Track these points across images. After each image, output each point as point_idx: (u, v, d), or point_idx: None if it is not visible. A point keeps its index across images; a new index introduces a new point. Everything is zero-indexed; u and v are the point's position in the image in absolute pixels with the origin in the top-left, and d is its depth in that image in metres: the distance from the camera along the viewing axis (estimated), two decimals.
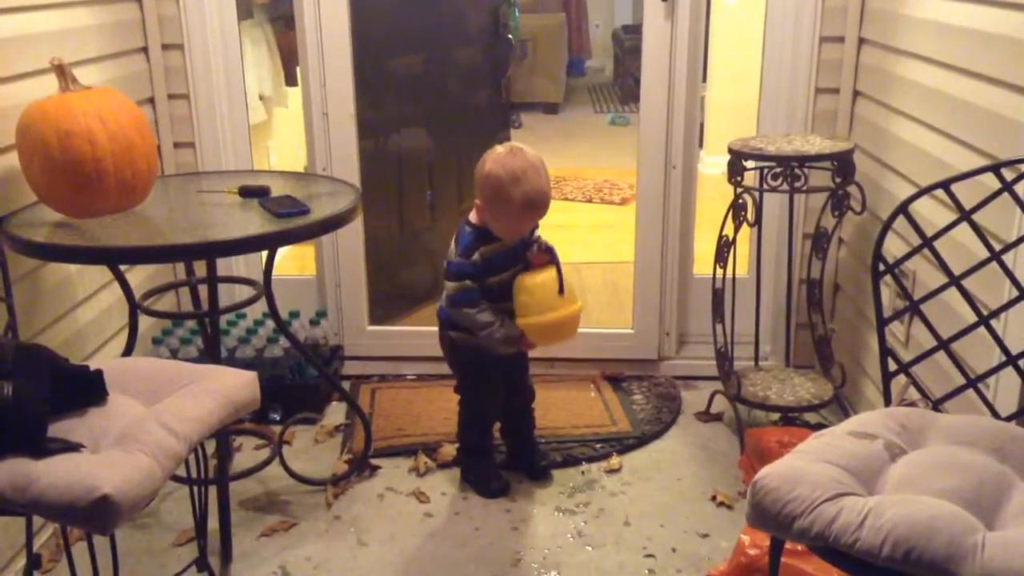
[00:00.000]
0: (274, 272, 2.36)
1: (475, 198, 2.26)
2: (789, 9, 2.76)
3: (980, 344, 1.80)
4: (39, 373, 1.60)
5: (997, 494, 1.39)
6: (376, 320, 3.15)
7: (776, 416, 2.66)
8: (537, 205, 2.22)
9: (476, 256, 2.25)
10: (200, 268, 2.39)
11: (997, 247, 1.68)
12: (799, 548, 1.82)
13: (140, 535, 2.27)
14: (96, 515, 1.43)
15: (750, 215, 2.60)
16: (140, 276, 2.64)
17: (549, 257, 2.27)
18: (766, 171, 2.47)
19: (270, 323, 2.83)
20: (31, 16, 2.23)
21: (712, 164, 4.68)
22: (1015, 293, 1.67)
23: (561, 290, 2.22)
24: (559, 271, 2.23)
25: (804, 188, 2.48)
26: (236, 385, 1.81)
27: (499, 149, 2.25)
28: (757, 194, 2.59)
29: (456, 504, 2.40)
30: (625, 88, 8.25)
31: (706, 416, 2.82)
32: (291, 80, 4.08)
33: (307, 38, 2.86)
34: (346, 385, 2.96)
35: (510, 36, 4.00)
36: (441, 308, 2.36)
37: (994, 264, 1.68)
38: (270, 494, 2.45)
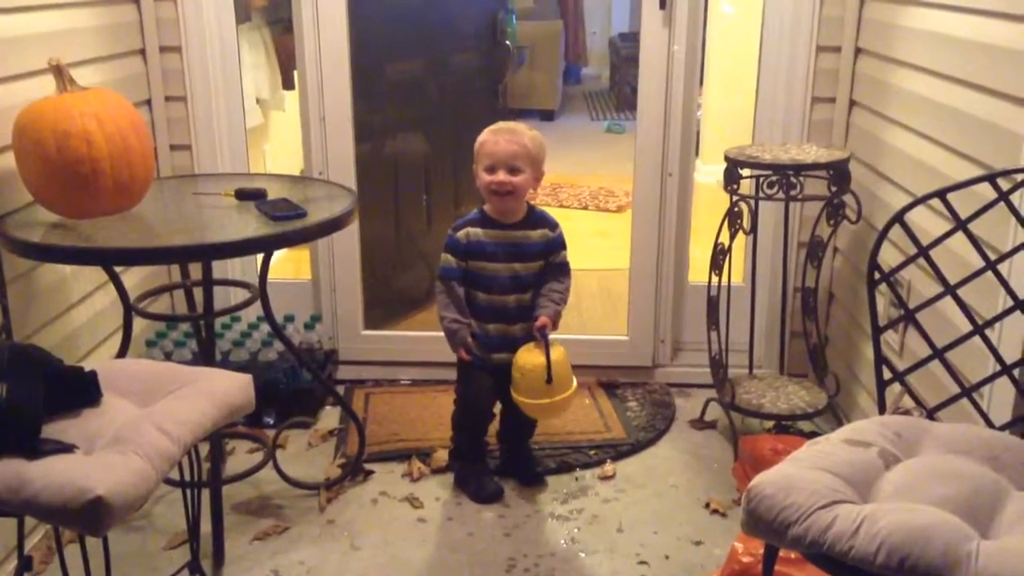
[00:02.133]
0: (269, 275, 2.35)
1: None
2: (786, 19, 2.77)
3: (974, 353, 1.81)
4: (33, 374, 1.59)
5: (991, 503, 1.39)
6: (371, 325, 3.14)
7: (770, 424, 2.67)
8: (500, 129, 2.32)
9: (461, 233, 2.30)
10: (195, 271, 2.38)
11: (992, 257, 1.69)
12: (793, 556, 1.82)
13: (133, 537, 2.26)
14: (89, 517, 1.43)
15: (746, 223, 2.61)
16: (135, 278, 2.63)
17: (544, 342, 2.28)
18: (762, 179, 2.48)
19: (265, 326, 2.82)
20: (29, 17, 2.23)
21: (707, 172, 4.69)
22: (1010, 303, 1.67)
23: (549, 379, 2.24)
24: (548, 361, 2.24)
25: (800, 197, 2.49)
26: (230, 388, 1.80)
27: None
28: (753, 202, 2.59)
29: (450, 509, 2.40)
30: (621, 96, 8.27)
31: (700, 423, 2.82)
32: (288, 84, 4.08)
33: (305, 42, 2.86)
34: (340, 389, 2.96)
35: (507, 42, 4.00)
36: None
37: (989, 274, 1.68)
38: (263, 498, 2.45)
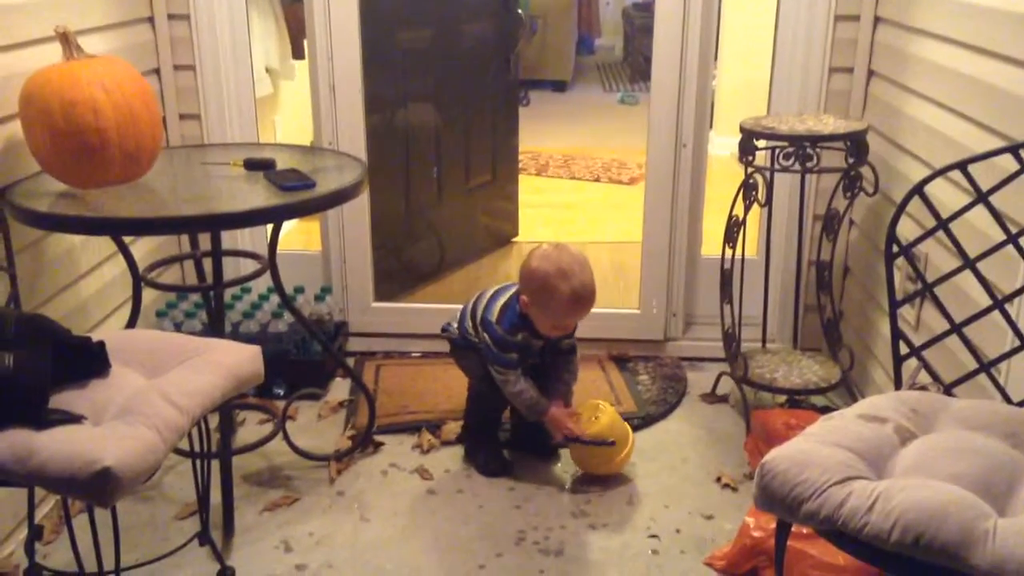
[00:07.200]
0: (279, 247, 2.34)
1: (521, 293, 2.27)
2: None
3: (993, 328, 1.78)
4: (41, 344, 1.59)
5: (1009, 480, 1.37)
6: (381, 296, 3.13)
7: (782, 398, 2.65)
8: (584, 300, 2.25)
9: (520, 336, 2.29)
10: (204, 241, 2.37)
11: (1013, 230, 1.66)
12: (805, 531, 1.80)
13: (142, 508, 2.27)
14: (97, 487, 1.43)
15: (761, 195, 2.58)
16: (144, 248, 2.63)
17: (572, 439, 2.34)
18: (778, 151, 2.44)
19: (275, 298, 2.81)
20: None
21: (721, 145, 4.65)
22: None
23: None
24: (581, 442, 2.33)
25: (816, 168, 2.45)
26: (240, 359, 1.80)
27: (544, 246, 2.29)
28: (768, 174, 2.56)
29: (459, 481, 2.39)
30: (635, 67, 8.20)
31: (712, 398, 2.80)
32: (298, 53, 4.05)
33: (315, 11, 2.82)
34: (350, 361, 2.95)
35: (520, 12, 3.96)
36: (455, 338, 2.39)
37: (1009, 247, 1.65)
38: (273, 469, 2.45)
